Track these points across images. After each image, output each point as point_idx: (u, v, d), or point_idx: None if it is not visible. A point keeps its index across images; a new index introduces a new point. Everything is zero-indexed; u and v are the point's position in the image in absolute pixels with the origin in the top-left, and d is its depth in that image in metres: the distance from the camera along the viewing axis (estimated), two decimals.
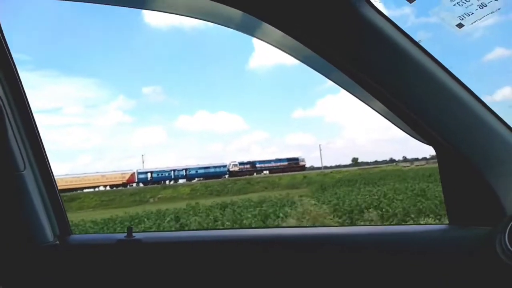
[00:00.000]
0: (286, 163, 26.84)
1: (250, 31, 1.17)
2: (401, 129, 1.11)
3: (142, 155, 26.22)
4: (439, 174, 1.09)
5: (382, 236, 1.15)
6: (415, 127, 1.03)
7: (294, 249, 1.12)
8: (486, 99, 1.02)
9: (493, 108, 1.02)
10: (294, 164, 26.84)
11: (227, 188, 22.52)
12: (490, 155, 1.00)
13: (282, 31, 1.02)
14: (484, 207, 1.00)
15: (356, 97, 1.13)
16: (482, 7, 0.90)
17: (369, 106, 1.13)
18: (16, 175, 0.94)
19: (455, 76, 1.00)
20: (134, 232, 1.15)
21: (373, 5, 0.98)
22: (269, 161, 26.87)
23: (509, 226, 0.91)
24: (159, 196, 21.70)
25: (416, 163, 25.23)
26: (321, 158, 28.38)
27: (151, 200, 21.09)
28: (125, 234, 1.14)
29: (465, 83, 1.02)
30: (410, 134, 1.10)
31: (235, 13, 1.02)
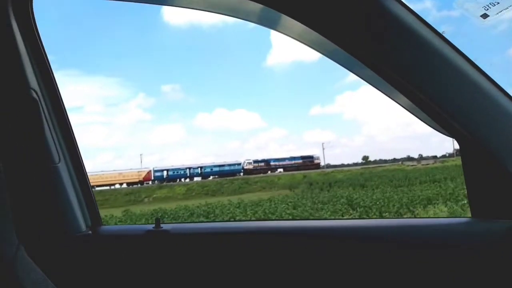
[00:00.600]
0: (300, 161, 26.78)
1: (272, 25, 1.18)
2: (425, 122, 1.11)
3: (141, 155, 26.49)
4: (462, 167, 1.09)
5: (403, 229, 1.15)
6: (439, 119, 1.03)
7: (334, 241, 1.13)
8: None
9: None
10: (308, 162, 26.75)
11: (223, 188, 22.26)
12: None
13: (305, 24, 1.03)
14: (507, 200, 0.99)
15: (380, 90, 1.14)
16: None
17: (392, 99, 1.13)
18: (52, 167, 0.97)
19: (479, 68, 1.00)
20: (162, 223, 1.19)
21: None
22: (284, 159, 26.86)
23: None
24: (154, 196, 21.73)
25: (423, 162, 24.62)
26: (323, 157, 28.01)
27: (146, 200, 21.10)
28: (154, 225, 1.18)
29: (490, 75, 1.02)
30: (434, 127, 1.10)
31: (256, 6, 1.04)
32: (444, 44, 0.99)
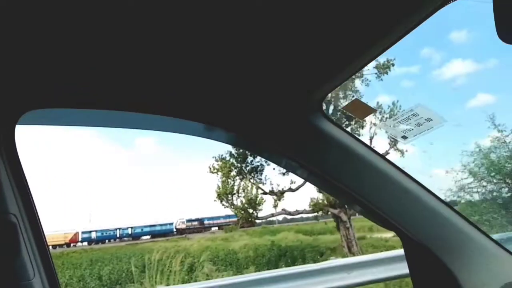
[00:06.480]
0: (235, 219, 26.51)
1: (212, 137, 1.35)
2: (372, 220, 1.31)
3: (90, 213, 24.01)
4: (406, 259, 1.27)
5: None
6: (383, 220, 1.23)
7: None
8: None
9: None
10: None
11: None
12: (446, 243, 1.19)
13: (247, 139, 1.22)
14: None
15: (326, 192, 1.33)
16: (419, 126, 1.19)
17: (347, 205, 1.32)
18: (26, 283, 1.00)
19: (408, 174, 1.24)
20: None
21: (328, 117, 1.23)
22: (218, 217, 26.41)
23: None
24: None
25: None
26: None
27: None
28: None
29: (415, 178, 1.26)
30: (381, 225, 1.30)
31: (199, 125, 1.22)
32: (383, 161, 1.24)
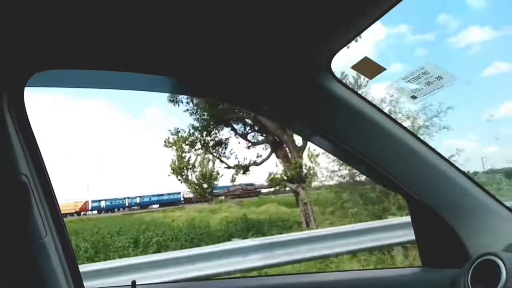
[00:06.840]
0: (241, 188, 26.76)
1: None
2: (378, 183, 1.29)
3: (88, 186, 24.53)
4: (412, 222, 1.26)
5: (357, 282, 1.26)
6: (389, 183, 1.21)
7: None
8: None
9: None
10: (250, 189, 26.84)
11: None
12: (452, 204, 1.17)
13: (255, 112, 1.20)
14: (452, 250, 1.16)
15: (339, 159, 1.31)
16: (429, 84, 1.15)
17: (353, 167, 1.30)
18: (39, 242, 1.01)
19: (423, 141, 1.21)
20: (138, 284, 1.23)
21: (337, 78, 1.20)
22: (228, 187, 26.71)
23: (471, 268, 1.04)
24: None
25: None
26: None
27: None
28: (130, 285, 1.22)
29: (422, 138, 1.24)
30: (387, 188, 1.29)
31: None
32: (391, 122, 1.21)
